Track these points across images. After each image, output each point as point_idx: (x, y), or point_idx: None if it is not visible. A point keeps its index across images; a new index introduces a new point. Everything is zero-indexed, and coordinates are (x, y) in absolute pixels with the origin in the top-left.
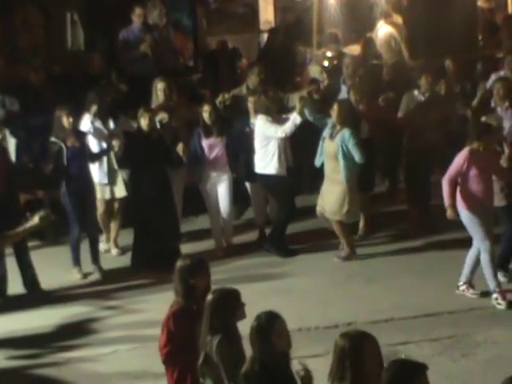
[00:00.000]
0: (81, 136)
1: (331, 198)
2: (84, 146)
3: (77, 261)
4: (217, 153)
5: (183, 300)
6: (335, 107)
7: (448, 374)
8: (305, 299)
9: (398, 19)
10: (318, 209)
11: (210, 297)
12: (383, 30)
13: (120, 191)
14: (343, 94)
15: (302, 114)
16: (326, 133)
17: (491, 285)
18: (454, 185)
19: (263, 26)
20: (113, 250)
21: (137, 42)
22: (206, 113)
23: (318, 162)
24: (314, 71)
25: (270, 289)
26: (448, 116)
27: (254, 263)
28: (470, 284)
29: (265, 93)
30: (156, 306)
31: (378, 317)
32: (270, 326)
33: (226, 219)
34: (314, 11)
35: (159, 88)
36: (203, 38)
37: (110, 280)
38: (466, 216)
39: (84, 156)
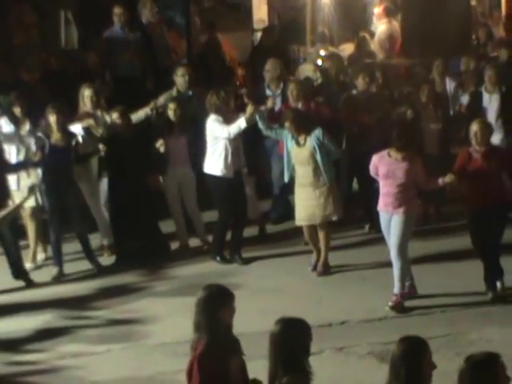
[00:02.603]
0: (68, 135)
1: (319, 202)
2: (69, 146)
3: (58, 262)
4: (179, 151)
5: (207, 335)
6: (287, 117)
7: (442, 373)
8: (298, 298)
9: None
10: (303, 215)
11: (274, 327)
12: (381, 27)
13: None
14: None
15: (249, 120)
16: (289, 143)
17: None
18: None
19: (257, 24)
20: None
21: (120, 44)
22: (170, 110)
23: (287, 178)
24: (306, 70)
25: (264, 288)
26: (385, 117)
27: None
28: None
29: (217, 93)
30: (144, 304)
31: (372, 315)
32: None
33: (195, 218)
34: (307, 10)
35: (86, 95)
36: (196, 36)
37: (98, 279)
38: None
39: (67, 155)
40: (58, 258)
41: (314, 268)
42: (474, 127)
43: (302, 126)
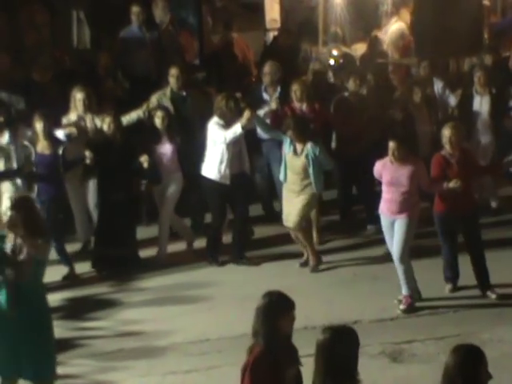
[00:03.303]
0: (55, 143)
1: (296, 208)
2: (56, 154)
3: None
4: (167, 159)
5: (265, 343)
6: (289, 125)
7: None
8: (310, 298)
9: (405, 17)
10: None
11: (322, 336)
12: (393, 27)
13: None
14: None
15: (245, 126)
16: (287, 149)
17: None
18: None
19: (269, 24)
20: None
21: (137, 43)
22: (158, 118)
23: (282, 177)
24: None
25: (275, 287)
26: (375, 119)
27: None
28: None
29: (227, 99)
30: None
31: (384, 315)
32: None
33: (163, 227)
34: (319, 10)
35: (78, 98)
36: (208, 36)
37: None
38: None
39: (55, 163)
40: (66, 260)
41: (302, 264)
42: (447, 132)
43: (303, 135)
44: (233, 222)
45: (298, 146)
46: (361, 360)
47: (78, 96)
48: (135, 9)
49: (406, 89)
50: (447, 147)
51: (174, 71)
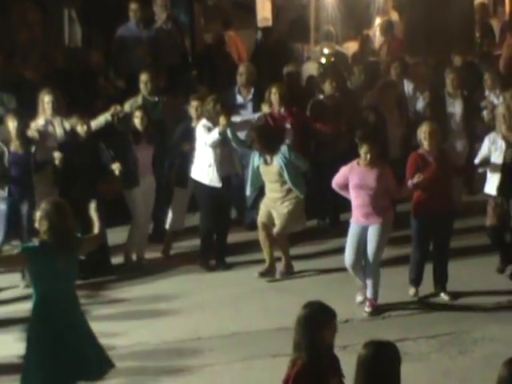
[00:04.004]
0: (27, 142)
1: (281, 213)
2: (28, 153)
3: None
4: (145, 160)
5: (307, 355)
6: (253, 138)
7: (445, 371)
8: (302, 296)
9: (395, 16)
10: (262, 220)
11: (364, 351)
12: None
13: None
14: (240, 100)
15: (222, 132)
16: (256, 161)
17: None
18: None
19: (261, 22)
20: None
21: (134, 41)
22: (137, 118)
23: (249, 192)
24: (310, 68)
25: (269, 287)
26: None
27: (254, 261)
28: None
29: (215, 102)
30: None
31: (375, 313)
32: None
33: (143, 230)
34: (311, 8)
35: (46, 101)
36: (200, 34)
37: None
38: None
39: (27, 163)
40: None
41: (262, 274)
42: (424, 130)
43: (268, 146)
44: (220, 225)
45: (267, 156)
46: (353, 358)
47: (46, 99)
48: (133, 6)
49: (377, 90)
50: (425, 144)
51: (143, 77)
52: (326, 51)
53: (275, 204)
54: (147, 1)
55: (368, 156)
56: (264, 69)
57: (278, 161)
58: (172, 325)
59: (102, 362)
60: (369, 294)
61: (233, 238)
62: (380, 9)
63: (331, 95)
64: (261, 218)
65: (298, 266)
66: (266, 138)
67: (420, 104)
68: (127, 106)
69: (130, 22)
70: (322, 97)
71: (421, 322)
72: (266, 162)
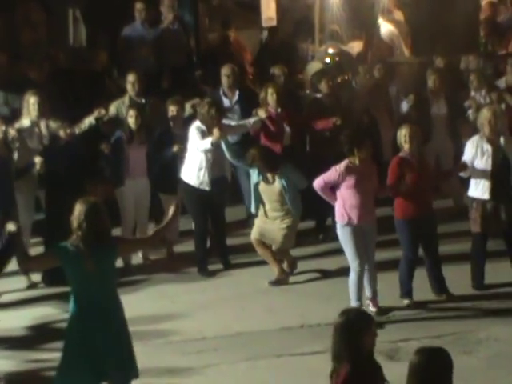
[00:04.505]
0: (7, 148)
1: (279, 234)
2: (9, 159)
3: None
4: (139, 161)
5: (351, 364)
6: (254, 157)
7: None
8: (306, 296)
9: (399, 16)
10: (255, 237)
11: (416, 357)
12: (383, 28)
13: None
14: (227, 103)
15: (214, 143)
16: (255, 179)
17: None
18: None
19: (265, 22)
20: None
21: (139, 40)
22: (131, 118)
23: (254, 209)
24: (315, 68)
25: (273, 287)
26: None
27: (257, 261)
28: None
29: (209, 106)
30: None
31: (380, 313)
32: None
33: (143, 232)
34: (316, 8)
35: (31, 103)
36: (205, 34)
37: None
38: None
39: (7, 169)
40: None
41: (273, 283)
42: (404, 133)
43: (271, 166)
44: (215, 227)
45: (269, 176)
46: None
47: (32, 100)
48: (138, 5)
49: (368, 91)
50: (405, 147)
51: (130, 78)
52: (330, 51)
53: (274, 221)
54: (153, 1)
55: (365, 156)
56: (269, 69)
57: (280, 181)
58: (176, 325)
59: (125, 368)
60: (371, 294)
61: (237, 238)
62: (385, 8)
63: (328, 94)
64: (254, 234)
65: (301, 266)
66: (269, 155)
67: (405, 106)
68: (113, 108)
69: (135, 22)
70: (319, 95)
71: (425, 321)
72: (267, 181)
